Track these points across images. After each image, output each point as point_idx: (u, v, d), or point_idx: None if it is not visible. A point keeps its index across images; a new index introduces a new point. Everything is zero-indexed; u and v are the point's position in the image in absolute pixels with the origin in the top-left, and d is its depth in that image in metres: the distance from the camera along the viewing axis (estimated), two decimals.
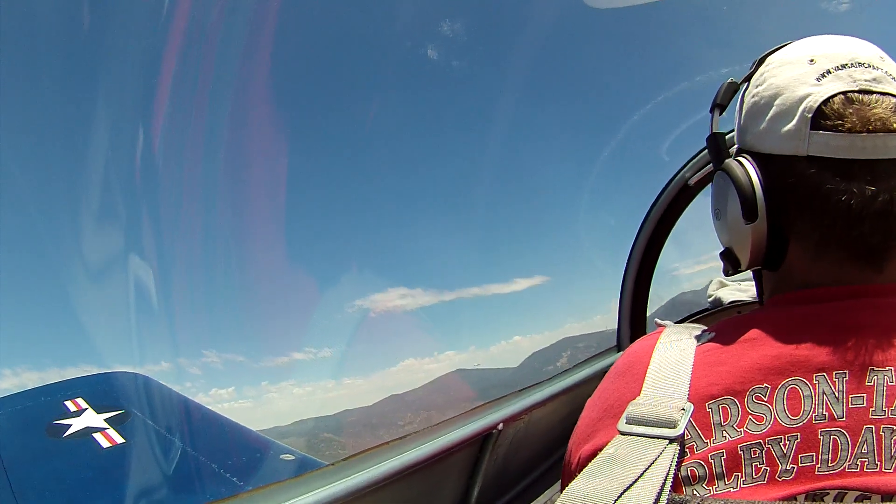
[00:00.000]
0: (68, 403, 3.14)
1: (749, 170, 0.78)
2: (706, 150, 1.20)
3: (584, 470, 0.68)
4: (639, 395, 0.75)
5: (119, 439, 2.89)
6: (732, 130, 0.87)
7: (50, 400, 3.21)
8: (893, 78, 0.74)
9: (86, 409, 3.10)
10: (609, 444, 0.70)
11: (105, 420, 3.02)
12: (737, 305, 2.16)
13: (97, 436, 2.93)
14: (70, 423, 3.03)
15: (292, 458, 2.83)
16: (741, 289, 2.21)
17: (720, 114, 0.90)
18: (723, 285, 2.26)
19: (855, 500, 0.61)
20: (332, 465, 1.18)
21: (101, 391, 3.27)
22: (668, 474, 0.64)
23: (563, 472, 0.84)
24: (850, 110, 0.71)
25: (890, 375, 0.65)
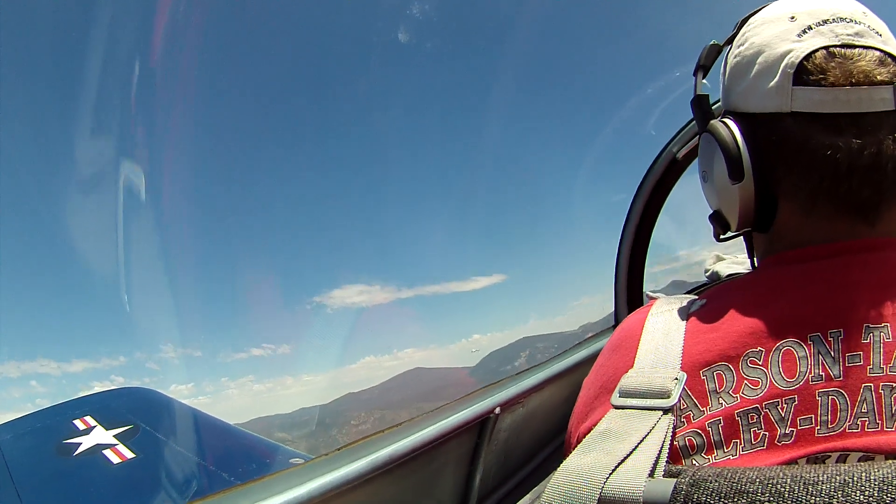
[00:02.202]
0: (77, 422, 3.17)
1: (734, 129, 0.78)
2: (693, 123, 1.19)
3: (579, 445, 0.67)
4: (632, 368, 0.74)
5: (129, 454, 2.91)
6: (719, 100, 0.86)
7: (59, 419, 3.24)
8: (876, 32, 0.73)
9: (95, 426, 3.12)
10: (604, 418, 0.70)
11: (114, 436, 3.04)
12: (734, 278, 2.15)
13: (107, 452, 2.94)
14: (80, 441, 3.05)
15: (302, 462, 2.83)
16: (738, 261, 2.19)
17: (703, 76, 0.89)
18: (720, 259, 2.24)
19: (858, 462, 0.59)
20: (329, 454, 1.17)
21: (108, 408, 3.29)
22: (662, 445, 0.63)
23: (565, 454, 0.84)
24: (833, 64, 0.71)
25: (886, 332, 0.64)
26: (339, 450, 1.19)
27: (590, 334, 2.01)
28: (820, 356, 0.64)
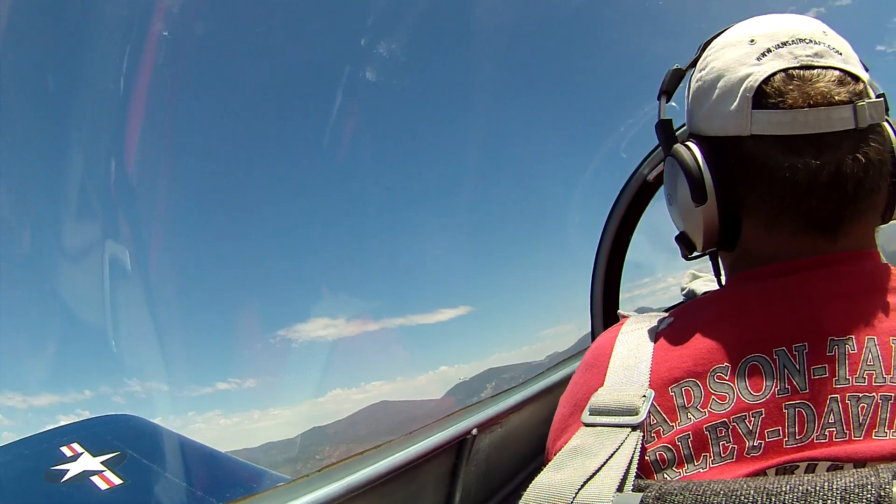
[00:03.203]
0: (64, 449, 3.13)
1: (696, 153, 0.80)
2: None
3: (550, 463, 0.70)
4: (602, 385, 0.77)
5: (117, 481, 2.88)
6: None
7: (46, 446, 3.20)
8: (836, 51, 0.75)
9: (82, 453, 3.09)
10: (574, 436, 0.72)
11: (101, 462, 3.01)
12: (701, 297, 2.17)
13: (95, 479, 2.91)
14: (67, 467, 3.02)
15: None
16: (713, 279, 2.22)
17: (667, 101, 0.92)
18: (695, 277, 2.27)
19: (827, 471, 0.61)
20: (308, 476, 1.19)
21: (95, 434, 3.26)
22: (631, 460, 0.66)
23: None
24: (791, 86, 0.73)
25: (851, 344, 0.66)
26: (319, 471, 1.21)
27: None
28: (785, 370, 0.66)
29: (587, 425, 0.73)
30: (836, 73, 0.73)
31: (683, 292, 2.31)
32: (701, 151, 0.80)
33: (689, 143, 0.82)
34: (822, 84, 0.72)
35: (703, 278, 2.29)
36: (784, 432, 0.64)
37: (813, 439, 0.63)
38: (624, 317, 0.91)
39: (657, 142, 0.92)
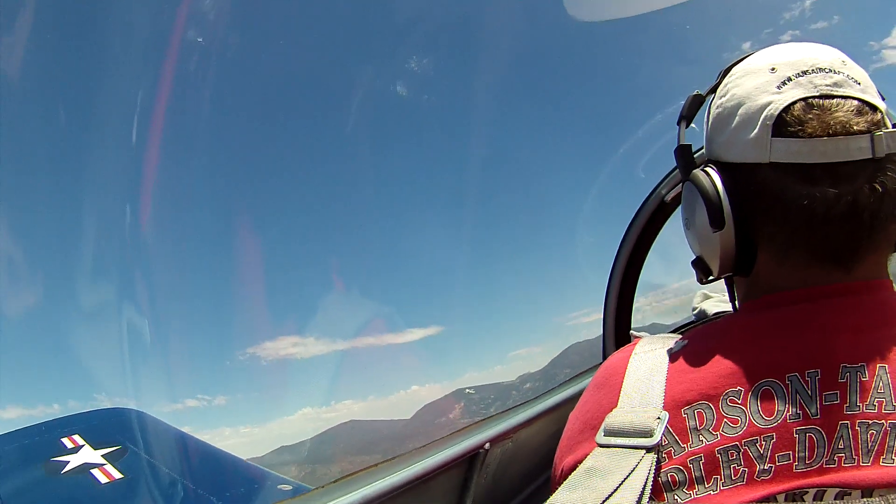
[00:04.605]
0: (65, 440, 3.14)
1: (715, 179, 0.80)
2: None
3: (565, 482, 0.70)
4: (615, 406, 0.77)
5: (117, 475, 2.88)
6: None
7: (47, 437, 3.20)
8: (855, 81, 0.75)
9: (83, 445, 3.09)
10: (588, 456, 0.73)
11: (102, 456, 3.01)
12: (721, 317, 2.17)
13: (95, 472, 2.91)
14: (68, 459, 3.02)
15: (290, 488, 2.82)
16: (724, 300, 2.23)
17: (686, 126, 0.92)
18: (707, 297, 2.27)
19: (835, 498, 0.62)
20: (319, 488, 1.19)
21: (97, 427, 3.26)
22: (646, 482, 0.66)
23: (551, 488, 0.87)
24: (811, 116, 0.73)
25: (862, 371, 0.67)
26: (335, 482, 1.21)
27: (579, 371, 2.04)
28: (798, 395, 0.67)
29: (601, 446, 0.73)
30: (855, 102, 0.73)
31: (694, 312, 2.31)
32: (720, 177, 0.80)
33: (707, 169, 0.82)
34: (840, 114, 0.72)
35: (714, 299, 2.29)
36: (794, 457, 0.64)
37: (822, 464, 0.63)
38: (636, 337, 0.91)
39: (673, 164, 0.91)
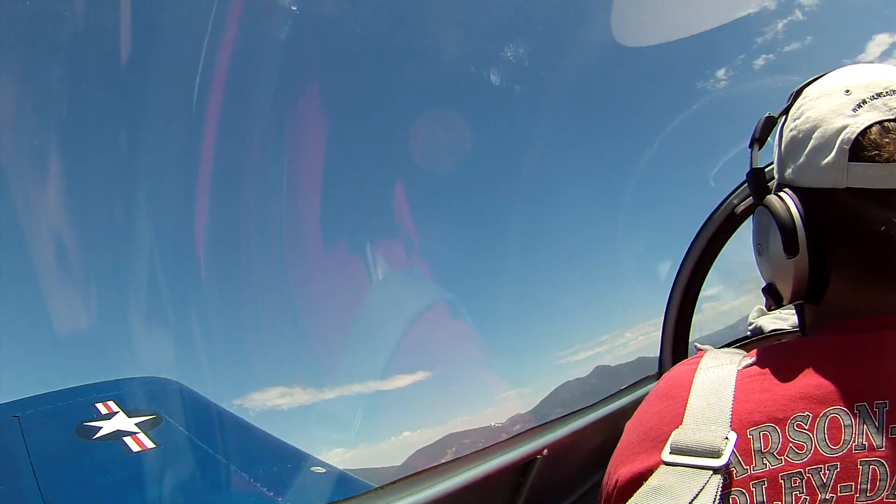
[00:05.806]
0: (99, 405, 3.17)
1: (790, 205, 0.79)
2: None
3: (630, 501, 0.69)
4: (681, 421, 0.75)
5: (150, 444, 2.90)
6: (771, 163, 0.88)
7: (81, 401, 3.23)
8: None
9: (117, 412, 3.12)
10: (654, 474, 0.71)
11: (136, 424, 3.04)
12: (777, 334, 2.14)
13: (128, 439, 2.94)
14: (101, 425, 3.05)
15: (323, 470, 2.82)
16: (781, 317, 2.19)
17: (759, 148, 0.91)
18: (763, 313, 2.23)
19: None
20: (380, 488, 1.19)
21: (132, 395, 3.30)
22: None
23: (602, 494, 0.85)
24: (888, 140, 0.72)
25: None
26: (393, 482, 1.21)
27: (628, 383, 2.02)
28: (864, 426, 0.65)
29: (667, 464, 0.71)
30: None
31: (750, 328, 2.27)
32: (794, 203, 0.79)
33: (782, 195, 0.81)
34: None
35: (771, 315, 2.25)
36: (856, 488, 0.63)
37: (882, 498, 0.62)
38: (700, 350, 0.89)
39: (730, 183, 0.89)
